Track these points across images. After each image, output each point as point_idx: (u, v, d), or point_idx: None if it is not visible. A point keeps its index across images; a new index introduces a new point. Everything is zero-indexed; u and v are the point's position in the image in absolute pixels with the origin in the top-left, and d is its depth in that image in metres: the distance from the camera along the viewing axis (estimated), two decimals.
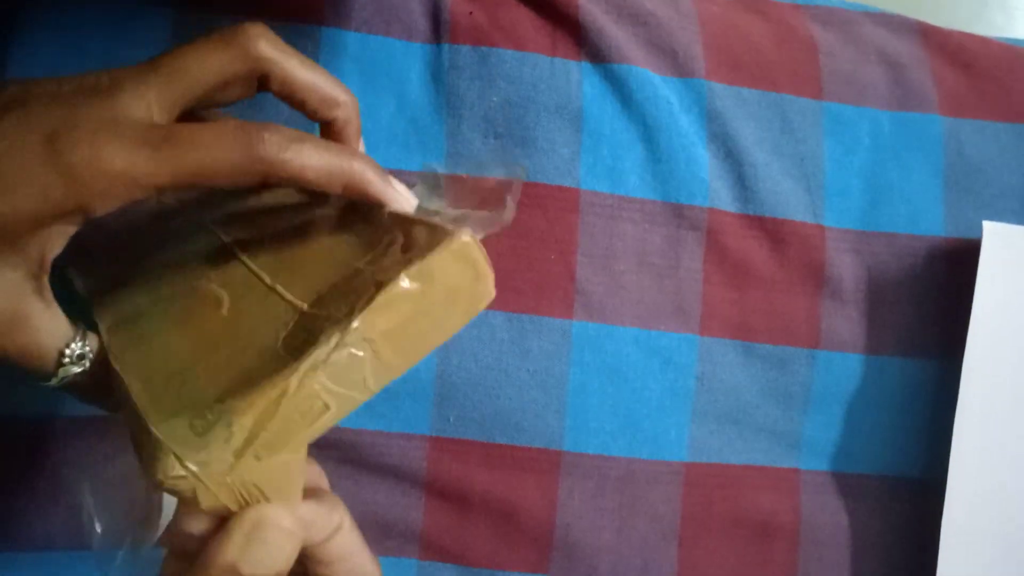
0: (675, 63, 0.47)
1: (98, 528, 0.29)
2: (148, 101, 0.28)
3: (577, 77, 0.46)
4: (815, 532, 0.47)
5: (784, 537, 0.46)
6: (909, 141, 0.49)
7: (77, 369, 0.30)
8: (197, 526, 0.27)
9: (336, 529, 0.29)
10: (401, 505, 0.44)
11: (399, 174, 0.44)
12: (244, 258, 0.32)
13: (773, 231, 0.47)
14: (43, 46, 0.42)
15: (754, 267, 0.47)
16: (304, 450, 0.28)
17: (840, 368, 0.47)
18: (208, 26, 0.43)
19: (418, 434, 0.44)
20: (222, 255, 0.33)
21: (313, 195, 0.33)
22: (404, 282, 0.27)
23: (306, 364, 0.26)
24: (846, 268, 0.48)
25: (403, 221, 0.30)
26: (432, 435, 0.44)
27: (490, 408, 0.44)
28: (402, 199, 0.31)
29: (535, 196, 0.45)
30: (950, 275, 0.48)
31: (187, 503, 0.27)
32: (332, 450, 0.43)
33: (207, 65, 0.29)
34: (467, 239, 0.28)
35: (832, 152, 0.48)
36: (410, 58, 0.45)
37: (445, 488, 0.44)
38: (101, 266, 0.35)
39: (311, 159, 0.29)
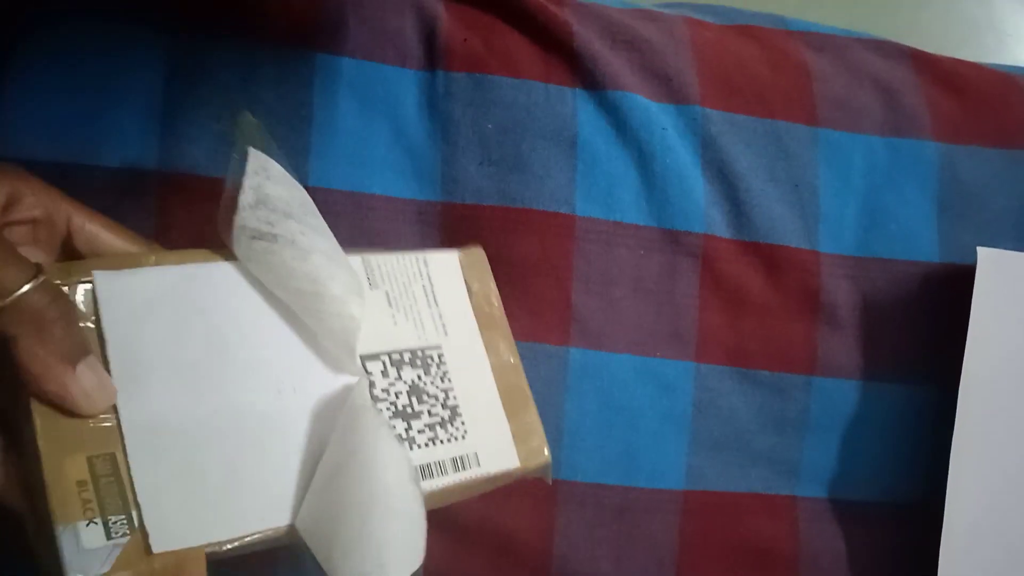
0: (669, 89, 0.48)
1: None
2: None
3: (572, 103, 0.46)
4: (814, 559, 0.46)
5: (783, 565, 0.46)
6: (903, 167, 0.49)
7: None
8: None
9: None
10: None
11: (392, 201, 0.44)
12: None
13: (768, 257, 0.47)
14: (39, 70, 0.41)
15: (750, 293, 0.47)
16: None
17: (837, 394, 0.47)
18: (203, 50, 0.43)
19: None
20: None
21: None
22: None
23: None
24: (842, 294, 0.48)
25: None
26: None
27: None
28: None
29: (530, 223, 0.45)
30: (945, 300, 0.48)
31: None
32: None
33: None
34: None
35: (827, 178, 0.48)
36: (405, 84, 0.45)
37: (440, 518, 0.43)
38: None
39: None
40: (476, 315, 0.40)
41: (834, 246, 0.48)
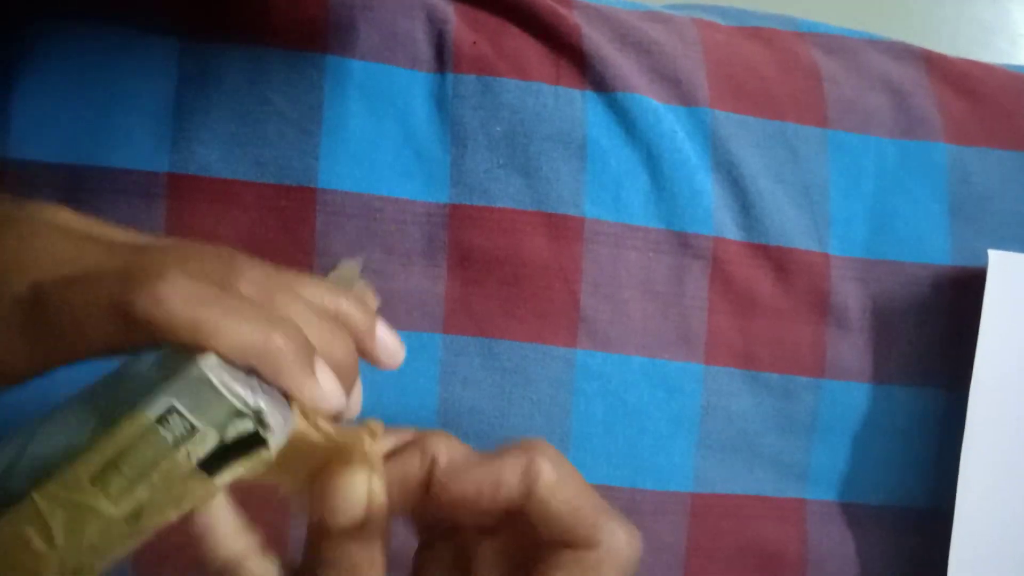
0: (679, 91, 0.48)
1: None
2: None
3: (581, 106, 0.46)
4: (822, 563, 0.46)
5: (791, 568, 0.46)
6: (914, 169, 0.49)
7: None
8: None
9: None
10: (398, 542, 0.43)
11: (401, 203, 0.44)
12: None
13: (778, 259, 0.47)
14: (51, 73, 0.42)
15: (759, 296, 0.47)
16: None
17: (846, 397, 0.47)
18: (213, 53, 0.43)
19: None
20: None
21: None
22: None
23: None
24: (851, 297, 0.47)
25: None
26: None
27: (492, 438, 0.43)
28: (320, 393, 0.25)
29: (539, 224, 0.45)
30: (956, 304, 0.48)
31: None
32: None
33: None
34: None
35: (837, 180, 0.48)
36: (414, 87, 0.45)
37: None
38: None
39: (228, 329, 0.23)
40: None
41: (844, 248, 0.48)
